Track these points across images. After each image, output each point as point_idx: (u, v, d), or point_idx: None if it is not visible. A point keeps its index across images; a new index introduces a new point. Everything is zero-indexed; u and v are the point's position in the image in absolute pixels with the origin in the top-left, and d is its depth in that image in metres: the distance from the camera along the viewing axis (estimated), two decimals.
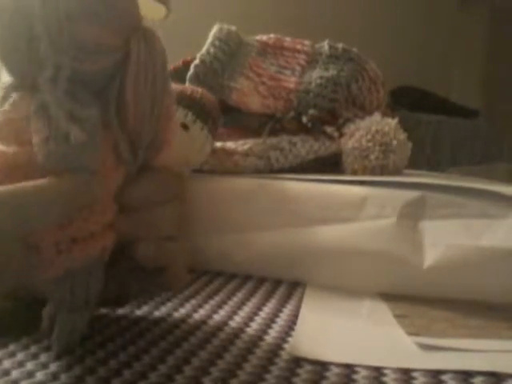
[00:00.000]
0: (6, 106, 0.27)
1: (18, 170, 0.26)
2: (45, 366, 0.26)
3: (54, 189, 0.25)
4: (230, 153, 0.52)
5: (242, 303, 0.38)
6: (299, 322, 0.34)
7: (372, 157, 0.51)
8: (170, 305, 0.37)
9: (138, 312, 0.35)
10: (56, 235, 0.26)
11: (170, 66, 0.64)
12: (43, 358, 0.27)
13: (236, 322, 0.34)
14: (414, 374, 0.26)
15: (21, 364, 0.27)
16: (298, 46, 0.62)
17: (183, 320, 0.34)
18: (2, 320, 0.32)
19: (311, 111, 0.56)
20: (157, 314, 0.35)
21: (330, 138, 0.56)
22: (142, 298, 0.38)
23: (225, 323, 0.33)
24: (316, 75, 0.58)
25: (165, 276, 0.32)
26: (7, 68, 0.27)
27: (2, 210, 0.24)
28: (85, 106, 0.26)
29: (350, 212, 0.42)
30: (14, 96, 0.27)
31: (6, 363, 0.27)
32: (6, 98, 0.28)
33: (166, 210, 0.32)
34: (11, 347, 0.29)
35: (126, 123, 0.28)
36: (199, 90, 0.47)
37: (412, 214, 0.40)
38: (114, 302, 0.34)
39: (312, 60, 0.61)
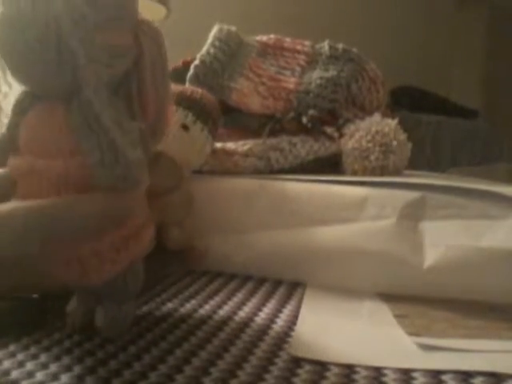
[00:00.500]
0: (30, 117, 0.28)
1: (50, 184, 0.26)
2: (45, 366, 0.26)
3: (87, 206, 0.26)
4: (230, 153, 0.52)
5: (242, 303, 0.38)
6: (299, 322, 0.34)
7: (372, 157, 0.51)
8: (169, 305, 0.37)
9: (138, 312, 0.35)
10: (111, 236, 0.27)
11: (170, 67, 0.64)
12: (43, 358, 0.27)
13: (236, 322, 0.34)
14: (414, 374, 0.26)
15: (21, 364, 0.27)
16: (298, 47, 0.62)
17: (183, 320, 0.34)
18: (1, 320, 0.32)
19: (311, 112, 0.56)
20: (157, 313, 0.35)
21: (330, 138, 0.56)
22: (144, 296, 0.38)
23: (225, 323, 0.33)
24: (316, 76, 0.58)
25: (189, 256, 0.37)
26: (29, 80, 0.27)
27: (29, 227, 0.25)
28: (124, 116, 0.27)
29: (350, 212, 0.42)
30: (38, 106, 0.27)
31: (6, 363, 0.27)
32: (25, 107, 0.28)
33: (180, 194, 0.35)
34: (11, 347, 0.29)
35: (146, 114, 0.29)
36: (199, 90, 0.47)
37: (412, 215, 0.40)
38: None
39: (312, 60, 0.61)
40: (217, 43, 0.60)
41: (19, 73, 0.26)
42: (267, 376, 0.26)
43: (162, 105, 0.30)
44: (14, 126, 0.28)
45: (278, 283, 0.44)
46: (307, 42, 0.62)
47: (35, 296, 0.34)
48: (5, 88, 0.31)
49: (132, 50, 0.28)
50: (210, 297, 0.39)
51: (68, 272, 0.26)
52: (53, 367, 0.26)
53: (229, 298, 0.39)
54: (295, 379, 0.26)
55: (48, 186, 0.26)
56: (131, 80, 0.29)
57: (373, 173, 0.51)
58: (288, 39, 0.63)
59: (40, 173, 0.26)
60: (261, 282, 0.44)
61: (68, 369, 0.26)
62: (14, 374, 0.25)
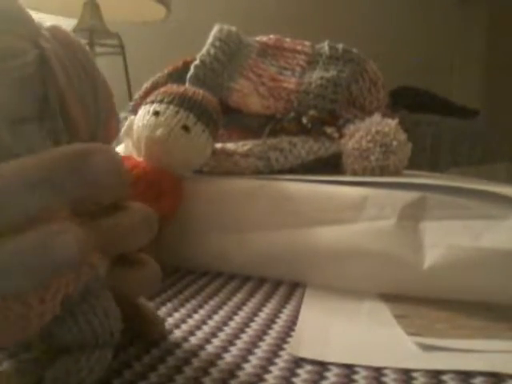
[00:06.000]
0: None
1: None
2: None
3: None
4: (230, 154, 0.52)
5: (242, 304, 0.38)
6: (299, 322, 0.34)
7: (372, 158, 0.51)
8: (169, 305, 0.37)
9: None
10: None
11: (171, 67, 0.64)
12: None
13: (236, 322, 0.34)
14: (414, 375, 0.26)
15: None
16: (298, 47, 0.62)
17: (183, 320, 0.34)
18: None
19: (311, 112, 0.56)
20: None
21: (330, 138, 0.56)
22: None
23: (225, 324, 0.33)
24: (316, 76, 0.58)
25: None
26: None
27: None
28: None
29: (350, 213, 0.42)
30: None
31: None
32: None
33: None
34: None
35: (77, 133, 0.24)
36: (201, 92, 0.47)
37: (412, 215, 0.40)
38: None
39: (312, 61, 0.61)
40: (217, 43, 0.60)
41: None
42: (267, 376, 0.26)
43: (96, 121, 0.25)
44: None
45: (277, 283, 0.44)
46: (307, 43, 0.62)
47: None
48: None
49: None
50: (210, 297, 0.39)
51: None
52: None
53: (228, 299, 0.39)
54: (295, 379, 0.26)
55: None
56: (50, 100, 0.23)
57: (373, 173, 0.51)
58: (288, 39, 0.63)
59: None
60: (261, 282, 0.44)
61: None
62: None
